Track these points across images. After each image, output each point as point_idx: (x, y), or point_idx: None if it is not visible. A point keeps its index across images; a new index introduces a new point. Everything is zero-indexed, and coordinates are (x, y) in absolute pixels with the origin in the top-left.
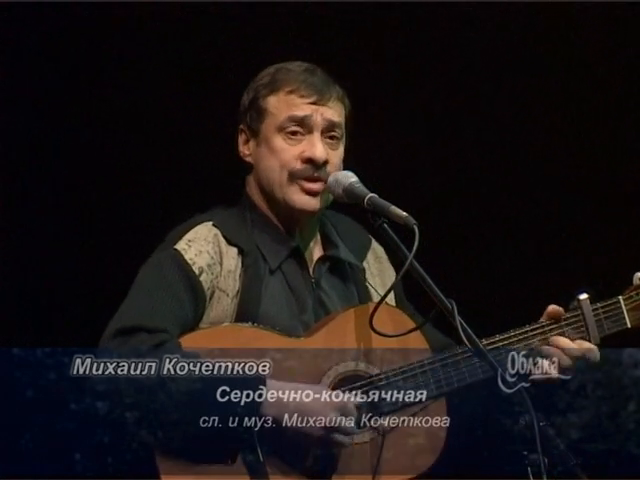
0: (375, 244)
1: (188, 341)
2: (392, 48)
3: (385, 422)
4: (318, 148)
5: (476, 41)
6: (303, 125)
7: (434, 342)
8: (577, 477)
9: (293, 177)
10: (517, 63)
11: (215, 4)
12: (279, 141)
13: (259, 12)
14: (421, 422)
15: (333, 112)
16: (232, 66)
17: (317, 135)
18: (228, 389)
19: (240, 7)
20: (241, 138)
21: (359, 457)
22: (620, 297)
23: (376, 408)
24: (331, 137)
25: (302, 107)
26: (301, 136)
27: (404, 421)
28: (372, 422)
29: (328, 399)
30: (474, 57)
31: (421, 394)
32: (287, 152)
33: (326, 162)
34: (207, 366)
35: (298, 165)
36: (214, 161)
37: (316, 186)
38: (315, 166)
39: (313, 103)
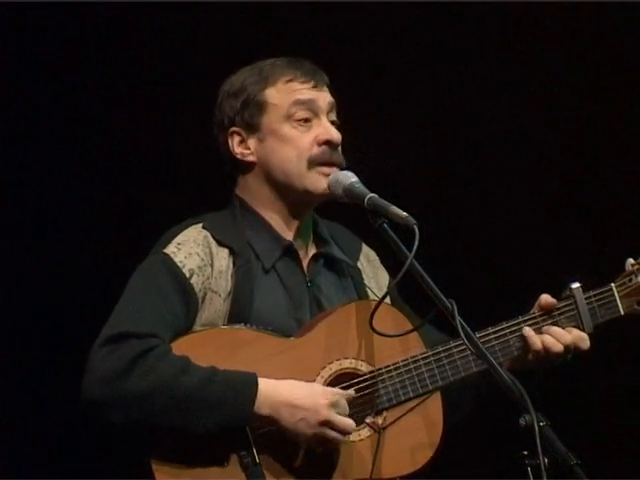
0: (366, 248)
1: (181, 344)
2: (393, 47)
3: (382, 419)
4: (332, 129)
5: (476, 41)
6: (309, 109)
7: (431, 339)
8: (578, 477)
9: (312, 164)
10: (516, 62)
11: (213, 4)
12: (289, 130)
13: (258, 11)
14: (418, 417)
15: (329, 95)
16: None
17: (324, 118)
18: (220, 389)
19: (238, 7)
20: (234, 140)
21: (357, 454)
22: (612, 284)
23: (372, 405)
24: (332, 122)
25: (304, 92)
26: (309, 122)
27: (401, 417)
28: (369, 419)
29: (321, 395)
30: (474, 57)
31: (416, 389)
32: (301, 139)
33: (338, 145)
34: (197, 369)
35: (315, 150)
36: (209, 165)
37: (333, 171)
38: (331, 148)
39: (314, 88)
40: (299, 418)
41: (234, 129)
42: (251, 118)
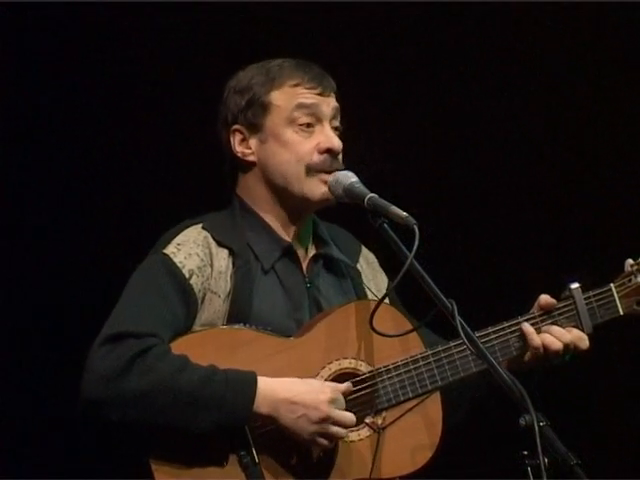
0: (365, 250)
1: (180, 344)
2: (393, 47)
3: (381, 419)
4: (334, 137)
5: (476, 41)
6: (312, 115)
7: (427, 342)
8: (577, 477)
9: (311, 170)
10: (516, 62)
11: (213, 4)
12: (291, 134)
13: (258, 11)
14: (417, 417)
15: (335, 101)
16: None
17: (327, 125)
18: (220, 388)
19: (238, 7)
20: (236, 138)
21: (357, 454)
22: (612, 284)
23: (372, 405)
24: (335, 128)
25: (309, 96)
26: (312, 128)
27: (400, 417)
28: (368, 419)
29: (320, 391)
30: (474, 57)
31: (416, 389)
32: (302, 145)
33: (339, 153)
34: (196, 368)
35: (315, 157)
36: (209, 165)
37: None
38: (332, 156)
39: (319, 94)
40: (299, 415)
41: (236, 127)
42: (254, 118)
